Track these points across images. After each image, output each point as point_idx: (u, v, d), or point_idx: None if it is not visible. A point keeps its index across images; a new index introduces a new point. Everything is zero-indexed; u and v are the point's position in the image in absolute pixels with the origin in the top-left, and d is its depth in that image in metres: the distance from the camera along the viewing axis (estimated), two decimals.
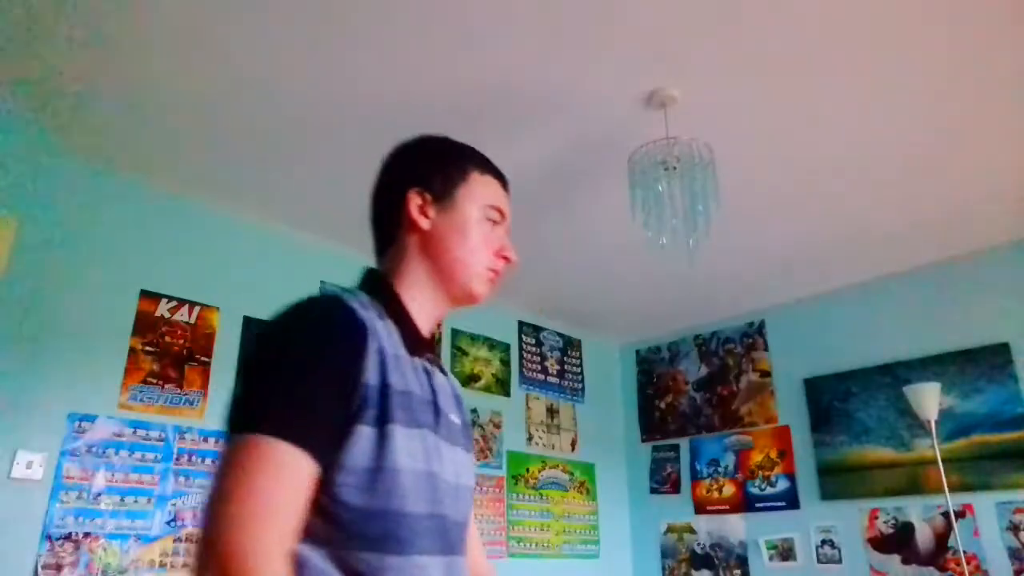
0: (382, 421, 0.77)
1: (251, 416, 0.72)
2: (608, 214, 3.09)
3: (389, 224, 0.98)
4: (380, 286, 0.93)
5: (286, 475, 0.69)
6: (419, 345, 0.91)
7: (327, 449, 0.73)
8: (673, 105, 2.39)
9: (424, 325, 0.94)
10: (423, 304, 0.94)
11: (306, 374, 0.74)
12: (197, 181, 2.93)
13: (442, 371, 0.98)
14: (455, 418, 0.94)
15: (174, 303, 2.86)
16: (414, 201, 0.95)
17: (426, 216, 0.94)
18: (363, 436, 0.75)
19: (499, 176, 1.02)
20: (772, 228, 3.34)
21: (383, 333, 0.83)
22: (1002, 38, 2.14)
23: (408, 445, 0.79)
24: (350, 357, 0.77)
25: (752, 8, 2.02)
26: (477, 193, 0.97)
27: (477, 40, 2.15)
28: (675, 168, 2.34)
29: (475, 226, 0.95)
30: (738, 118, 2.51)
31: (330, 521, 0.73)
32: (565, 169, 2.76)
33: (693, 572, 4.17)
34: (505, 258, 0.98)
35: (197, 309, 2.92)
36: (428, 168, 0.97)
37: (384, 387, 0.79)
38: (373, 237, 1.02)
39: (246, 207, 3.14)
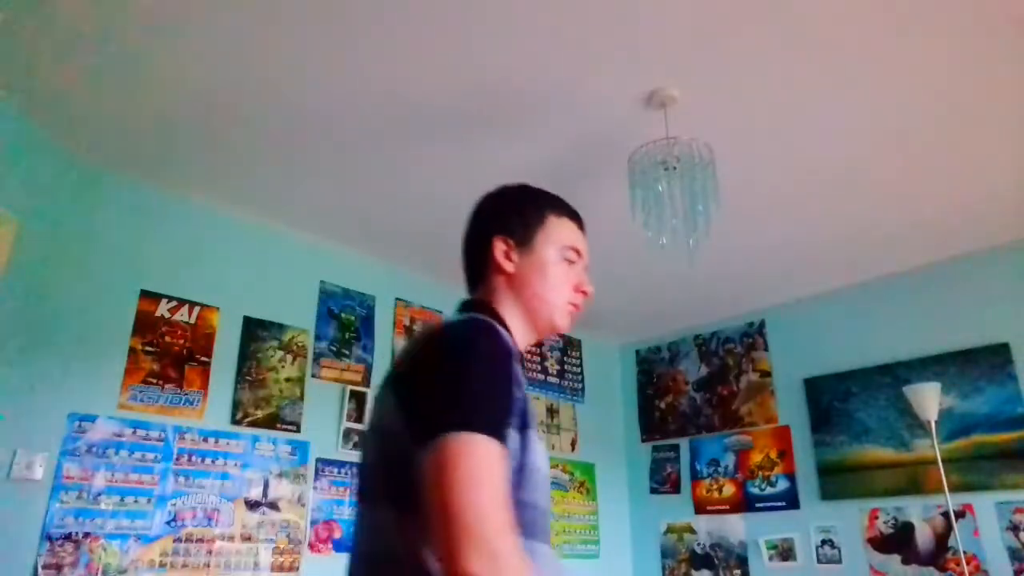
0: (523, 426, 0.88)
1: (464, 417, 0.80)
2: (608, 214, 3.08)
3: (479, 266, 1.10)
4: (486, 310, 1.04)
5: (499, 466, 0.79)
6: (521, 362, 1.00)
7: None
8: (673, 105, 2.39)
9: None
10: (515, 332, 1.05)
11: (496, 383, 0.86)
12: (197, 181, 2.93)
13: None
14: None
15: (174, 303, 2.86)
16: (499, 247, 1.07)
17: (510, 260, 1.07)
18: (513, 439, 0.85)
19: (575, 217, 1.14)
20: (772, 228, 3.34)
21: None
22: (1002, 38, 2.14)
23: (538, 447, 0.91)
24: (515, 370, 0.89)
25: (752, 9, 2.02)
26: (554, 236, 1.09)
27: (477, 40, 2.15)
28: (675, 168, 2.34)
29: (553, 266, 1.07)
30: (738, 118, 2.51)
31: None
32: (565, 169, 2.76)
33: (693, 572, 4.17)
34: (583, 292, 1.10)
35: (197, 309, 2.92)
36: (510, 216, 1.09)
37: (524, 399, 0.90)
38: (465, 275, 1.13)
39: (246, 207, 3.14)
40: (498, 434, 0.81)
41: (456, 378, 0.85)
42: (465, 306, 1.07)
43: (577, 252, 1.11)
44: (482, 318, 0.94)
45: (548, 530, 0.94)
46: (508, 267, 1.06)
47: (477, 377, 0.84)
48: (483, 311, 1.03)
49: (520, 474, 0.86)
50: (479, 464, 0.77)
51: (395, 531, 0.84)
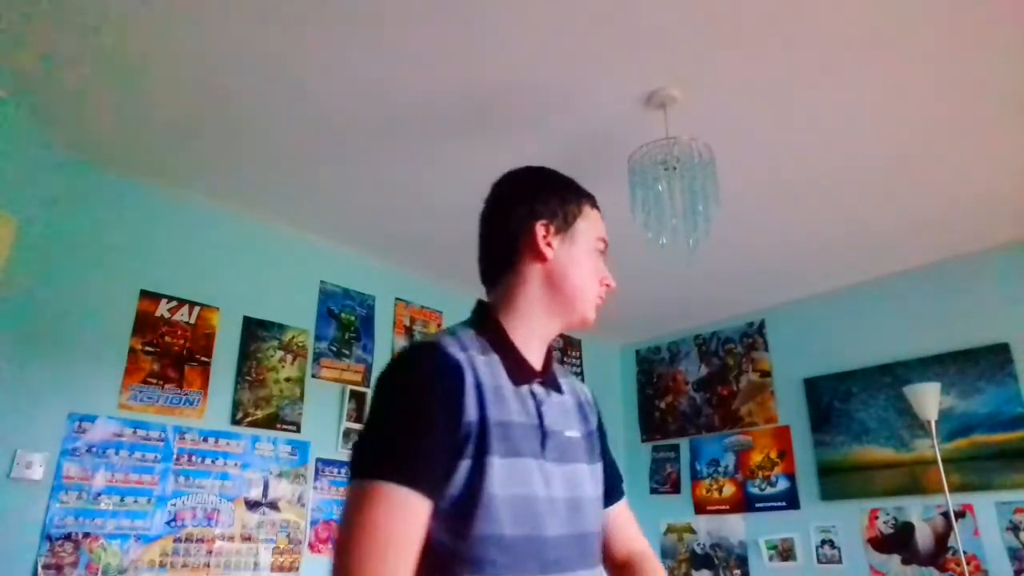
0: (480, 453, 0.83)
1: (368, 463, 0.79)
2: (608, 214, 3.08)
3: (508, 253, 1.02)
4: (487, 322, 0.99)
5: (401, 514, 0.76)
6: (525, 374, 0.96)
7: (439, 485, 0.81)
8: (673, 105, 2.39)
9: (535, 350, 1.00)
10: (535, 329, 1.00)
11: (411, 421, 0.81)
12: (198, 181, 2.93)
13: (558, 389, 1.03)
14: (573, 432, 0.99)
15: (174, 303, 2.86)
16: (540, 232, 1.00)
17: (550, 247, 1.00)
18: (463, 469, 0.82)
19: (597, 206, 1.11)
20: (772, 228, 3.34)
21: (483, 368, 0.90)
22: (1001, 39, 2.14)
23: (504, 473, 0.84)
24: (450, 398, 0.84)
25: (752, 9, 2.02)
26: (592, 226, 1.06)
27: (477, 41, 2.15)
28: (675, 168, 2.34)
29: (589, 257, 1.04)
30: (738, 118, 2.51)
31: (434, 549, 0.81)
32: (565, 169, 2.74)
33: (693, 572, 4.17)
34: (607, 285, 1.07)
35: (197, 309, 2.92)
36: (552, 200, 1.03)
37: (483, 420, 0.85)
38: (484, 264, 1.05)
39: (246, 207, 3.14)
40: (415, 479, 0.78)
41: (371, 419, 0.84)
42: (474, 317, 1.02)
43: (606, 243, 1.09)
44: (425, 345, 0.90)
45: (531, 560, 0.85)
46: (549, 253, 1.00)
47: (396, 416, 0.82)
48: (476, 320, 1.00)
49: (472, 505, 0.81)
50: (375, 512, 0.75)
51: None
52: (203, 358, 2.89)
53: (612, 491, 1.08)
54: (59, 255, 2.59)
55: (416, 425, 0.81)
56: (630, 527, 1.12)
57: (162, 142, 2.66)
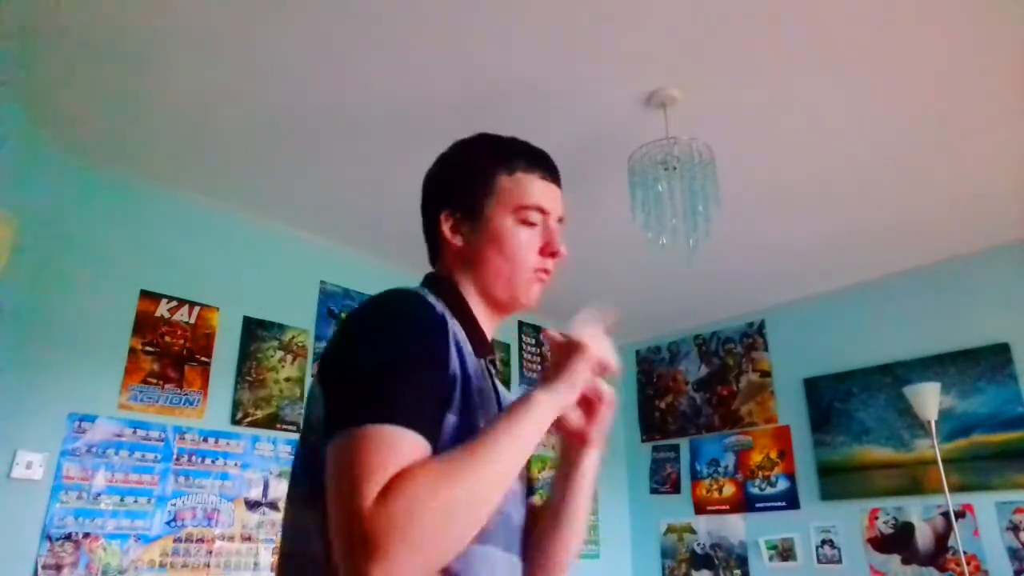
0: (464, 412, 0.78)
1: (365, 406, 0.70)
2: (608, 214, 3.09)
3: (432, 243, 0.99)
4: (445, 287, 0.92)
5: (406, 454, 0.67)
6: (483, 346, 0.91)
7: (435, 435, 0.73)
8: (673, 105, 2.39)
9: (484, 330, 0.94)
10: (478, 311, 0.94)
11: (411, 361, 0.74)
12: (197, 181, 2.93)
13: (500, 378, 0.99)
14: None
15: (174, 303, 2.86)
16: (445, 223, 0.94)
17: (460, 234, 0.93)
18: (450, 425, 0.76)
19: (536, 165, 0.97)
20: (772, 228, 3.34)
21: (455, 327, 0.84)
22: (1002, 39, 2.14)
23: None
24: (442, 345, 0.78)
25: (752, 9, 2.02)
26: (507, 199, 0.93)
27: (477, 41, 2.15)
28: (675, 168, 2.34)
29: (510, 235, 0.92)
30: (738, 118, 2.51)
31: None
32: (565, 169, 2.75)
33: (693, 572, 4.17)
34: (552, 253, 0.94)
35: (197, 309, 2.92)
36: (454, 186, 0.96)
37: (465, 379, 0.80)
38: (428, 253, 1.02)
39: (246, 207, 3.14)
40: (414, 421, 0.69)
41: (355, 358, 0.75)
42: (428, 282, 0.96)
43: (540, 210, 0.94)
44: (406, 289, 0.84)
45: (499, 533, 0.81)
46: (458, 242, 0.93)
47: (394, 357, 0.73)
48: (432, 283, 0.94)
49: None
50: (386, 454, 0.66)
51: (315, 534, 0.72)
52: (203, 358, 2.89)
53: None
54: (59, 255, 2.59)
55: (411, 364, 0.73)
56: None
57: (162, 142, 2.66)
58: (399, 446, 0.67)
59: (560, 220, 0.97)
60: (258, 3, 1.99)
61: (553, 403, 0.79)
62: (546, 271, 0.95)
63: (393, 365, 0.72)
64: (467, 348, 0.85)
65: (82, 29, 2.07)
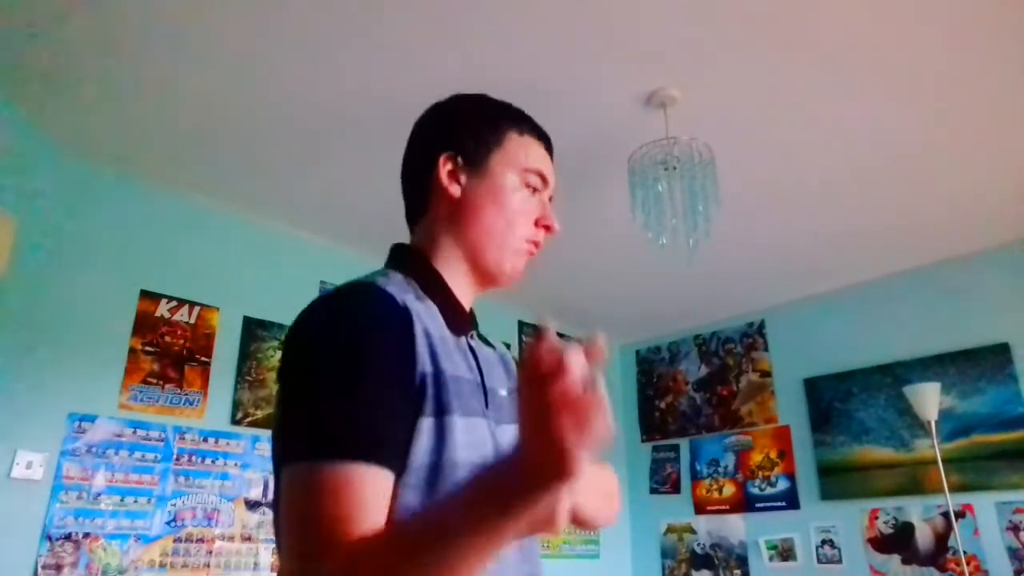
0: (439, 412, 0.71)
1: (312, 440, 0.63)
2: (608, 214, 3.09)
3: (419, 192, 0.89)
4: (415, 262, 0.85)
5: (367, 498, 0.61)
6: (462, 323, 0.84)
7: (401, 454, 0.67)
8: (673, 105, 2.39)
9: (464, 299, 0.87)
10: (458, 282, 0.86)
11: (371, 377, 0.66)
12: (197, 181, 2.93)
13: (487, 343, 0.93)
14: (503, 391, 0.86)
15: (174, 303, 2.86)
16: (444, 166, 0.86)
17: (457, 182, 0.86)
18: (424, 430, 0.69)
19: (541, 136, 0.92)
20: (772, 228, 3.34)
21: (425, 315, 0.77)
22: (1002, 39, 2.14)
23: (465, 437, 0.72)
24: (401, 347, 0.70)
25: (752, 9, 2.02)
26: (514, 156, 0.87)
27: (477, 41, 2.15)
28: (675, 168, 2.34)
29: (511, 193, 0.86)
30: (738, 118, 2.51)
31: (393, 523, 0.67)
32: (565, 169, 2.75)
33: (693, 572, 4.17)
34: (546, 227, 0.88)
35: (197, 309, 2.92)
36: (460, 129, 0.88)
37: (437, 374, 0.72)
38: (405, 206, 0.92)
39: (246, 207, 3.14)
40: (375, 452, 0.63)
41: (301, 381, 0.68)
42: (395, 260, 0.88)
43: (542, 178, 0.89)
44: (359, 283, 0.76)
45: None
46: (454, 191, 0.85)
47: (340, 375, 0.65)
48: (402, 260, 0.86)
49: (433, 473, 0.69)
50: (344, 513, 0.60)
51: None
52: (203, 358, 2.89)
53: None
54: (59, 255, 2.59)
55: (371, 379, 0.66)
56: None
57: (162, 142, 2.66)
58: (361, 491, 0.61)
59: (550, 199, 0.92)
60: (258, 3, 1.99)
61: (520, 512, 0.53)
62: (536, 244, 0.89)
63: (351, 383, 0.65)
64: (441, 333, 0.77)
65: (82, 30, 2.07)
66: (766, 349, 4.23)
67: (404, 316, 0.73)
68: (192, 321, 2.89)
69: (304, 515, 0.61)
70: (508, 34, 2.12)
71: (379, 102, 2.42)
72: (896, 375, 3.60)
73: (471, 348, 0.85)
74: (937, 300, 3.61)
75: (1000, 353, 3.33)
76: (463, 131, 0.88)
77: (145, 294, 2.79)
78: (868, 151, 2.72)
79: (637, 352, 4.90)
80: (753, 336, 4.31)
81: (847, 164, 2.80)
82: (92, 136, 2.60)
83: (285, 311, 3.20)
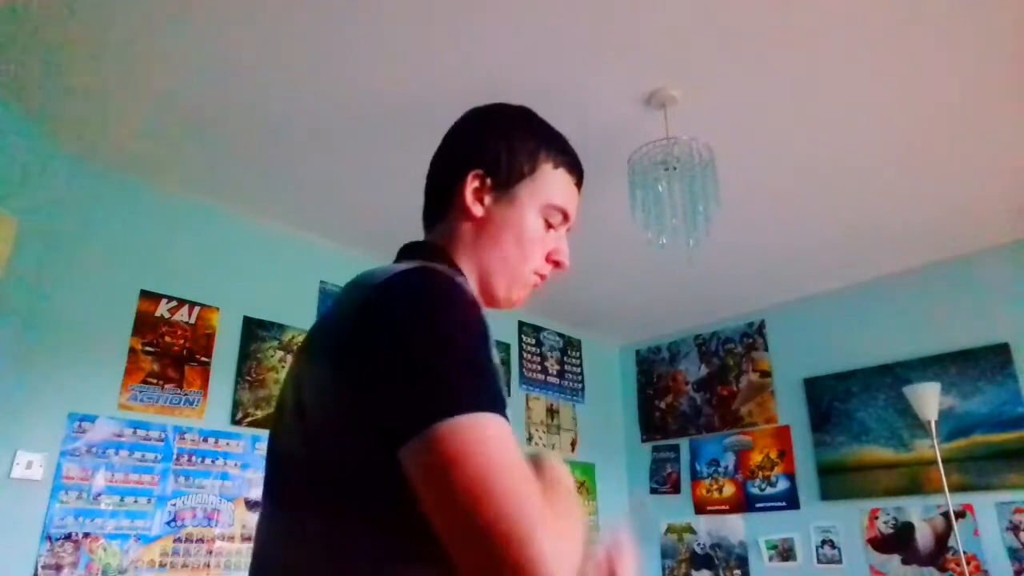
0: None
1: (458, 396, 0.59)
2: (608, 214, 3.09)
3: (441, 199, 0.87)
4: (448, 262, 0.83)
5: (516, 447, 0.59)
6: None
7: None
8: (673, 105, 2.39)
9: None
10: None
11: (480, 349, 0.64)
12: (197, 181, 2.93)
13: None
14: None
15: (174, 303, 2.86)
16: (471, 184, 0.84)
17: (481, 203, 0.84)
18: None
19: (575, 171, 0.90)
20: (772, 228, 3.34)
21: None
22: (1002, 39, 2.14)
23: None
24: (488, 334, 0.67)
25: (752, 9, 2.02)
26: (543, 190, 0.86)
27: (477, 40, 2.15)
28: (675, 168, 2.34)
29: (532, 226, 0.85)
30: (738, 118, 2.51)
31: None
32: None
33: (693, 572, 4.17)
34: (556, 263, 0.88)
35: (197, 309, 2.92)
36: (495, 150, 0.85)
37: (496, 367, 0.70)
38: (425, 203, 0.91)
39: (246, 207, 3.14)
40: (501, 409, 0.60)
41: (431, 347, 0.61)
42: (411, 249, 0.85)
43: (564, 215, 0.88)
44: (440, 269, 0.70)
45: None
46: (477, 211, 0.83)
47: (457, 341, 0.62)
48: (438, 258, 0.81)
49: None
50: (496, 450, 0.57)
51: (323, 544, 0.63)
52: (203, 358, 2.89)
53: None
54: (59, 255, 2.59)
55: (484, 352, 0.64)
56: None
57: (163, 142, 2.66)
58: (512, 442, 0.59)
59: (568, 230, 0.92)
60: (257, 4, 1.99)
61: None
62: (543, 277, 0.88)
63: (477, 347, 0.63)
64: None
65: (81, 30, 2.07)
66: (766, 349, 4.23)
67: (481, 309, 0.70)
68: (192, 321, 2.89)
69: (494, 487, 0.55)
70: (508, 34, 2.12)
71: (379, 102, 2.42)
72: (896, 375, 3.60)
73: None
74: (937, 300, 3.61)
75: (1000, 353, 3.33)
76: (498, 152, 0.85)
77: (145, 294, 2.79)
78: (868, 151, 2.72)
79: (637, 352, 4.90)
80: (753, 336, 4.31)
81: (847, 164, 2.80)
82: (93, 136, 2.60)
83: (285, 311, 3.20)
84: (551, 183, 0.86)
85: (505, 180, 0.84)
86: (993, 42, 2.15)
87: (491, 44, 2.16)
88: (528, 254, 0.85)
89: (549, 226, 0.87)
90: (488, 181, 0.84)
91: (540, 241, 0.86)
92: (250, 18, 2.04)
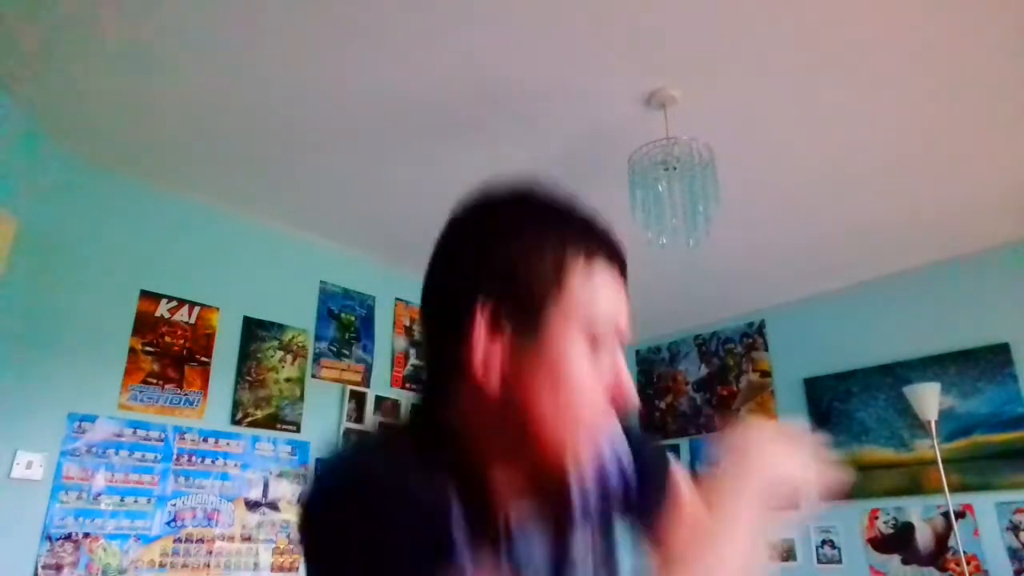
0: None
1: None
2: (608, 214, 3.07)
3: (444, 340, 0.62)
4: (450, 447, 0.59)
5: None
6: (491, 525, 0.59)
7: None
8: (673, 105, 2.39)
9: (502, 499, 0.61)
10: (499, 476, 0.60)
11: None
12: (197, 181, 2.93)
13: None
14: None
15: (174, 303, 2.86)
16: (481, 318, 0.57)
17: (498, 342, 0.58)
18: None
19: (613, 254, 0.65)
20: (772, 228, 3.33)
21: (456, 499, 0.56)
22: (1002, 40, 2.14)
23: None
24: (438, 540, 0.53)
25: (752, 9, 2.02)
26: (580, 302, 0.59)
27: (476, 40, 2.15)
28: (675, 168, 2.34)
29: (577, 364, 0.58)
30: (738, 118, 2.51)
31: None
32: (565, 169, 2.76)
33: None
34: (618, 399, 0.60)
35: (197, 309, 2.92)
36: (504, 262, 0.59)
37: (463, 559, 0.54)
38: (424, 341, 0.66)
39: (246, 207, 3.14)
40: None
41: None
42: (412, 418, 0.63)
43: (618, 331, 0.62)
44: (382, 459, 0.56)
45: None
46: (491, 383, 0.57)
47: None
48: (431, 440, 0.58)
49: None
50: None
51: None
52: (203, 358, 2.89)
53: None
54: (59, 255, 2.59)
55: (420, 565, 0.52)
56: None
57: (163, 142, 2.66)
58: None
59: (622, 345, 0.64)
60: (258, 5, 1.99)
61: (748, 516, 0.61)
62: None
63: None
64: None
65: (82, 31, 2.07)
66: (766, 349, 4.23)
67: (440, 504, 0.56)
68: (192, 321, 2.89)
69: None
70: (508, 34, 2.12)
71: (379, 102, 2.42)
72: (896, 375, 3.60)
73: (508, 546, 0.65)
74: (937, 300, 3.61)
75: (1000, 353, 3.33)
76: (516, 272, 0.59)
77: (145, 294, 2.79)
78: (868, 151, 2.72)
79: (637, 352, 4.90)
80: (753, 336, 4.31)
81: (847, 164, 2.80)
82: (93, 137, 2.60)
83: (285, 311, 3.21)
84: (589, 286, 0.60)
85: (525, 306, 0.58)
86: (995, 41, 2.15)
87: (491, 44, 2.16)
88: (579, 399, 0.58)
89: (595, 347, 0.59)
90: (502, 311, 0.58)
91: (594, 377, 0.59)
92: (251, 20, 2.04)
